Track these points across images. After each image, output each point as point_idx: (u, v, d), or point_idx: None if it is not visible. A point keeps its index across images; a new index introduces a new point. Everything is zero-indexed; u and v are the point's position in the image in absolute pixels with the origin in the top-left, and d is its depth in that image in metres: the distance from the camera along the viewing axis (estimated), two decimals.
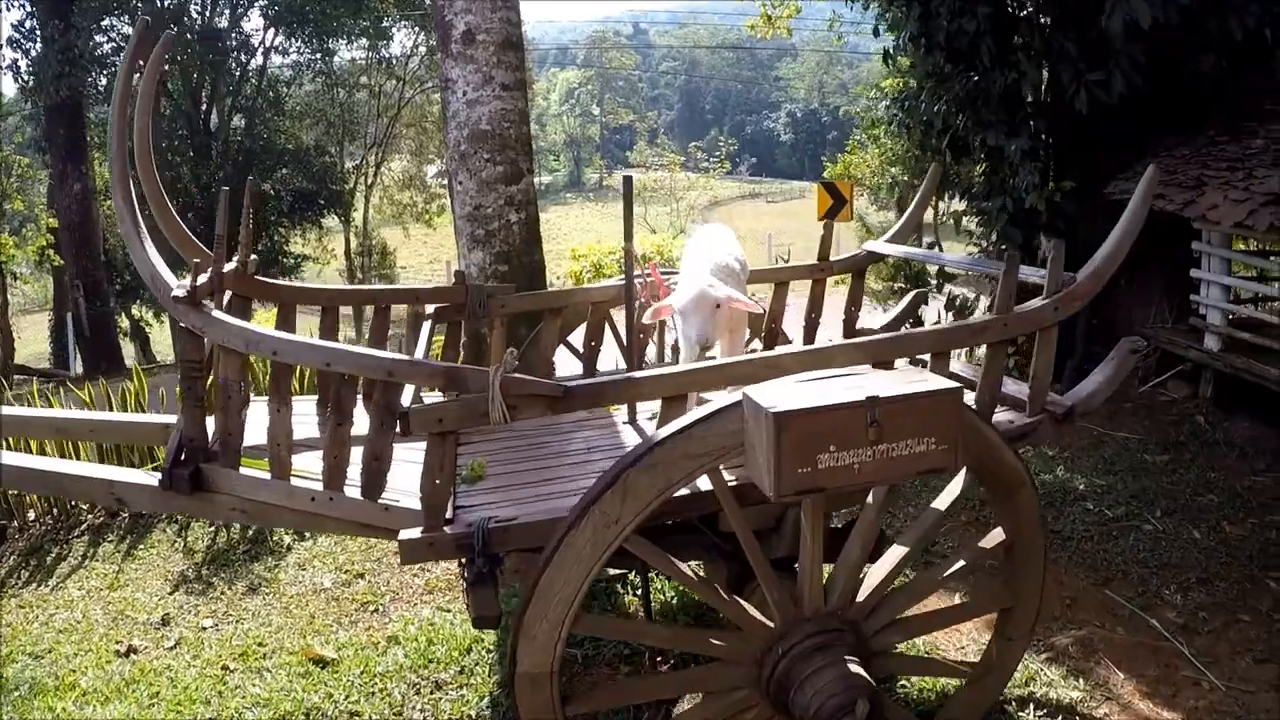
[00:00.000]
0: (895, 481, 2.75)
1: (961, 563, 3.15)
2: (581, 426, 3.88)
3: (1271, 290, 7.73)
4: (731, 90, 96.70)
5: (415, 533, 2.80)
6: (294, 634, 4.65)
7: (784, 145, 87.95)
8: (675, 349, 5.47)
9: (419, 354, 3.64)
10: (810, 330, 4.71)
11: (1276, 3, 6.89)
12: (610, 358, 4.61)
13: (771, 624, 2.79)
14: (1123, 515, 5.56)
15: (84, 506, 6.22)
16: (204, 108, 25.28)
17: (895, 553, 3.03)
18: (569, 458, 3.57)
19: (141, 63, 3.34)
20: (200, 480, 3.07)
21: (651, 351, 4.73)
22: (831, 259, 4.77)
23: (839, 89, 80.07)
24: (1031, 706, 3.78)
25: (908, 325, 4.71)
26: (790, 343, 4.74)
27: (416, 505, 2.84)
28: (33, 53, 20.50)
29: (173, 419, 3.33)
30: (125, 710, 4.05)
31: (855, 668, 2.70)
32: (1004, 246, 8.66)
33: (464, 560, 2.89)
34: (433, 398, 3.80)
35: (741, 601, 2.87)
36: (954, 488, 3.14)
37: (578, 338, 4.54)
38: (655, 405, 3.71)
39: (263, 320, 6.79)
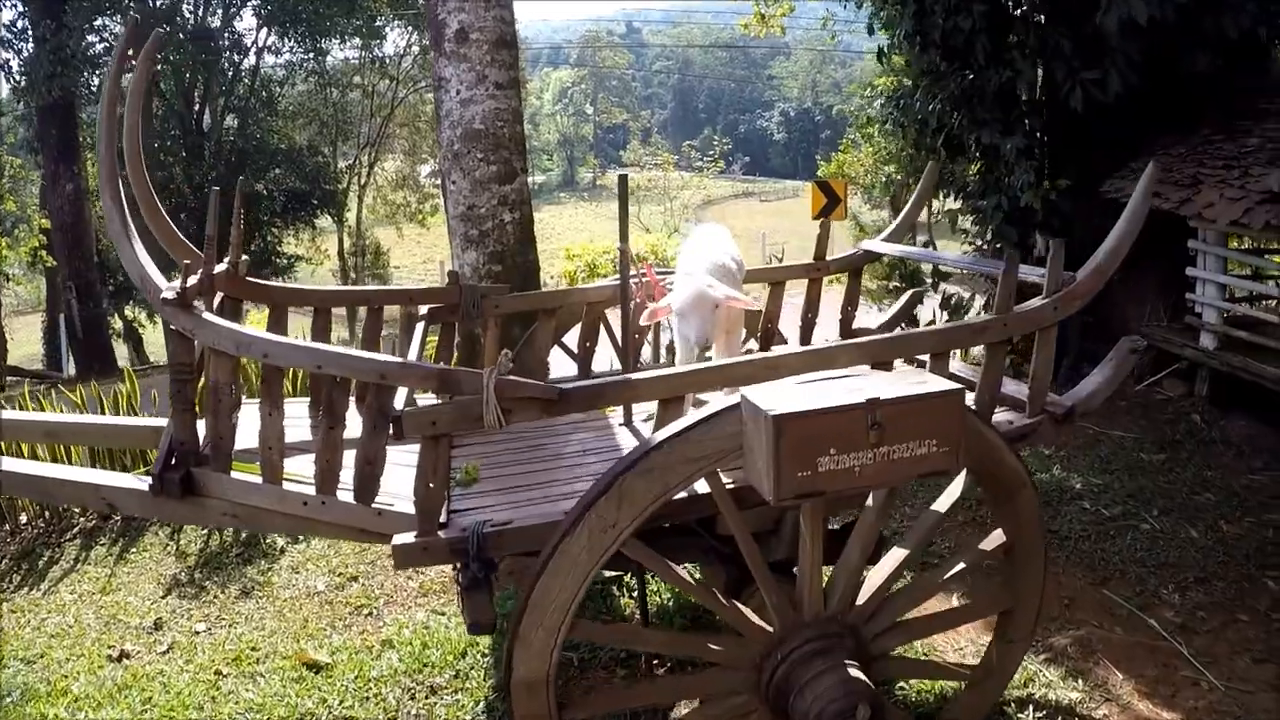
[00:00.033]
0: (896, 485, 2.72)
1: (961, 565, 3.12)
2: (577, 428, 3.85)
3: (1267, 288, 7.74)
4: (725, 89, 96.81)
5: (409, 538, 2.76)
6: (287, 638, 4.61)
7: (777, 144, 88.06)
8: (670, 349, 5.45)
9: (412, 356, 3.60)
10: (807, 330, 4.68)
11: (1272, 2, 6.88)
12: (605, 358, 4.58)
13: (770, 628, 2.76)
14: (1120, 514, 5.55)
15: (76, 510, 6.17)
16: (196, 107, 25.21)
17: (895, 555, 3.00)
18: (564, 460, 3.54)
19: (131, 61, 3.30)
20: (191, 484, 3.03)
21: (647, 352, 4.70)
22: (828, 258, 4.74)
23: (832, 88, 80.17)
24: (1031, 708, 3.76)
25: (903, 325, 4.69)
26: (786, 343, 4.72)
27: (410, 509, 2.81)
28: (25, 53, 20.42)
29: (164, 422, 3.29)
30: (118, 716, 4.01)
31: (856, 672, 2.67)
32: (999, 245, 8.67)
33: (458, 564, 2.86)
34: (426, 400, 3.77)
35: (740, 606, 2.84)
36: (954, 489, 3.12)
37: (572, 338, 4.50)
38: (651, 406, 3.70)
39: (255, 322, 6.75)
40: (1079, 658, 4.19)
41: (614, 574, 4.34)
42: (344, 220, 30.43)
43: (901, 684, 3.90)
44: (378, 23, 26.13)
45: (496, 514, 2.94)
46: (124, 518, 6.05)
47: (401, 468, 3.07)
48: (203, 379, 3.44)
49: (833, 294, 4.81)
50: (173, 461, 3.03)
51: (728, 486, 2.70)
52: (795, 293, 4.68)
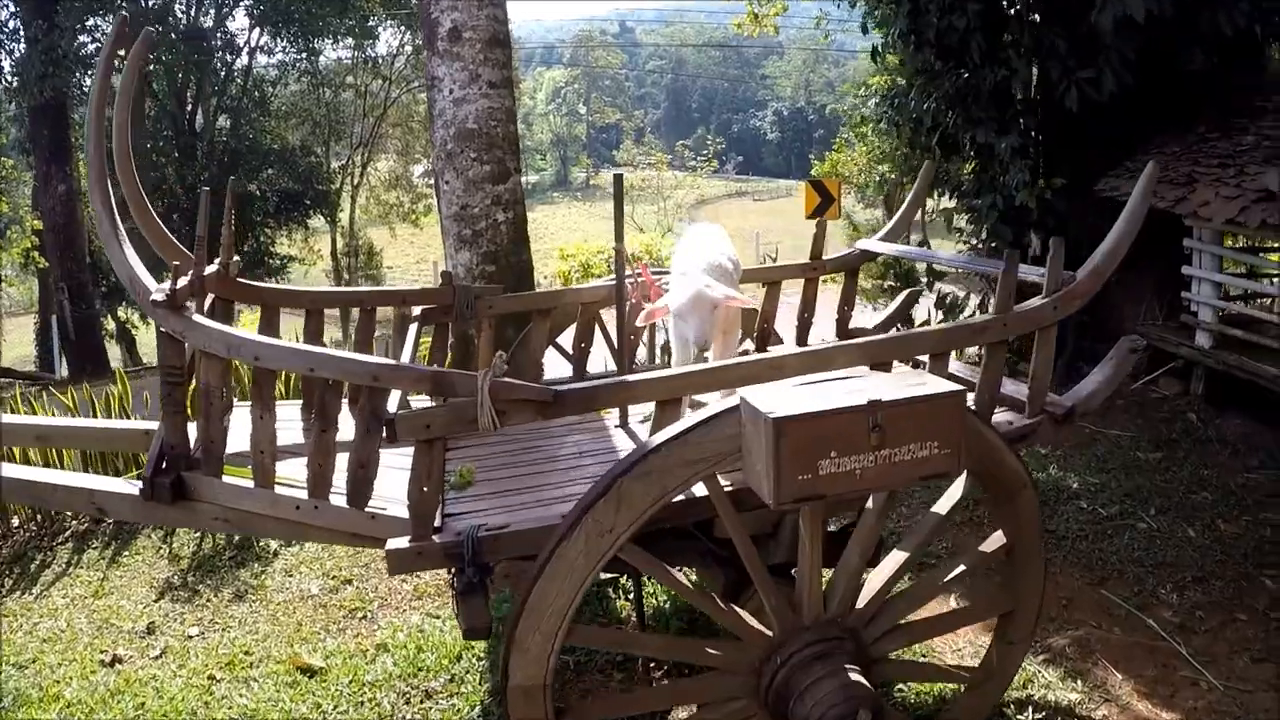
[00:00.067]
0: (897, 487, 2.69)
1: (962, 567, 3.10)
2: (572, 430, 3.82)
3: (1263, 287, 7.74)
4: (718, 89, 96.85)
5: (403, 542, 2.73)
6: (281, 642, 4.57)
7: (770, 144, 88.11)
8: (665, 350, 5.42)
9: (405, 357, 3.57)
10: (803, 330, 4.66)
11: None
12: (600, 359, 4.55)
13: (770, 632, 2.74)
14: (1117, 514, 5.54)
15: (68, 513, 6.12)
16: (189, 108, 25.14)
17: (895, 558, 2.98)
18: (560, 462, 3.51)
19: (120, 60, 3.27)
20: (182, 489, 2.99)
21: (642, 353, 4.68)
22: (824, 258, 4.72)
23: (825, 87, 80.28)
24: (1030, 709, 3.74)
25: (899, 325, 4.67)
26: (782, 343, 4.69)
27: (404, 514, 2.77)
28: (16, 53, 20.36)
29: (155, 425, 3.26)
30: None
31: (856, 676, 2.65)
32: (994, 244, 8.66)
33: (453, 569, 2.83)
34: (420, 402, 3.74)
35: (739, 610, 2.81)
36: (954, 491, 3.09)
37: (567, 339, 4.47)
38: (647, 407, 3.67)
39: (247, 323, 6.71)
40: (1078, 658, 4.18)
41: (610, 576, 4.32)
42: (337, 221, 30.36)
43: (900, 686, 3.88)
44: (370, 23, 26.10)
45: (492, 518, 2.91)
46: (116, 521, 6.00)
47: (395, 471, 3.04)
48: (194, 382, 3.42)
49: (827, 294, 4.79)
50: (163, 465, 2.99)
51: (726, 489, 2.67)
52: (790, 292, 4.66)
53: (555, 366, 4.48)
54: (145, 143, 21.89)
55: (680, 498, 2.67)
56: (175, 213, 21.15)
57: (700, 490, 2.68)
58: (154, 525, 5.83)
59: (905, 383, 2.49)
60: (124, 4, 21.29)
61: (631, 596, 4.42)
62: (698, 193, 52.00)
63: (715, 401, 2.87)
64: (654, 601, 4.58)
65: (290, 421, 3.82)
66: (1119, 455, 6.47)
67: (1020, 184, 8.06)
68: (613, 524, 2.47)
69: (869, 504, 2.88)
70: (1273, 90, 7.70)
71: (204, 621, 4.86)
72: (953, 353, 3.41)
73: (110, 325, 23.75)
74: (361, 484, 2.85)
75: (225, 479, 3.00)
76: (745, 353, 4.32)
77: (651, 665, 4.04)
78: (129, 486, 3.09)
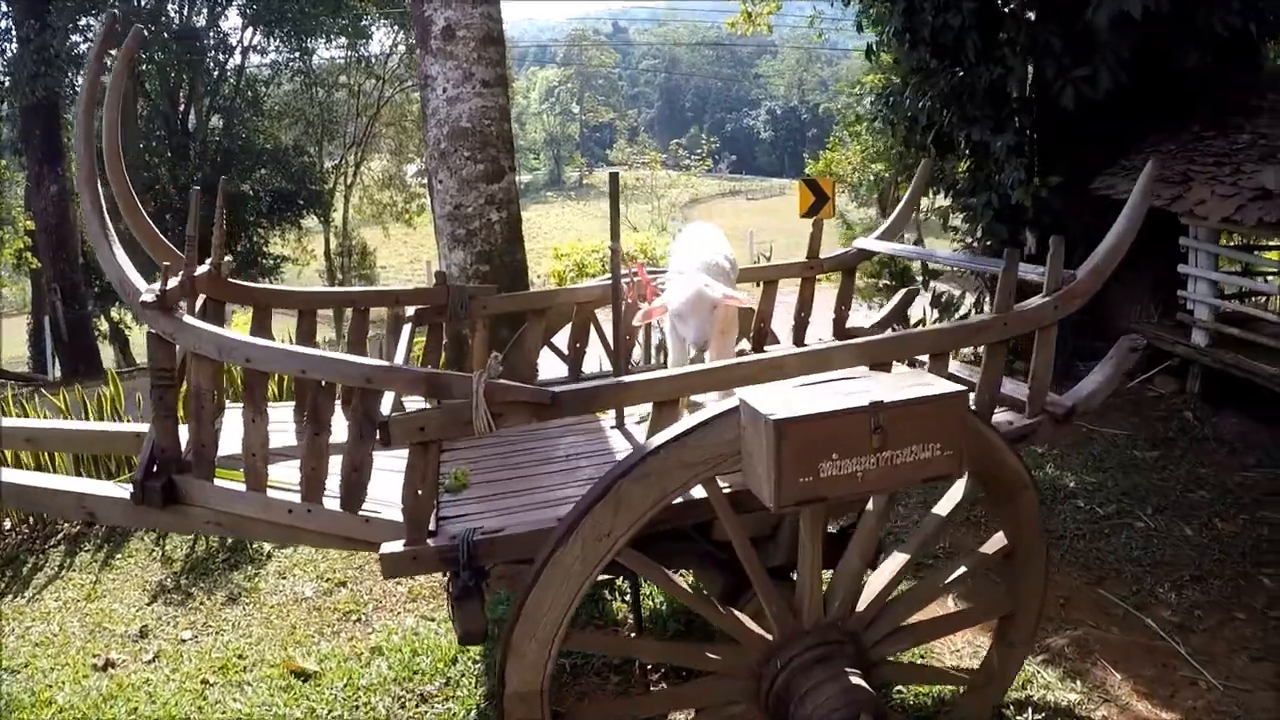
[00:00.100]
0: (899, 490, 2.67)
1: (963, 568, 3.07)
2: (568, 431, 3.79)
3: (1258, 285, 7.73)
4: (711, 88, 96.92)
5: (397, 546, 2.69)
6: (275, 645, 4.54)
7: (764, 143, 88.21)
8: (660, 349, 5.39)
9: (399, 358, 3.53)
10: (800, 330, 4.63)
11: None
12: (594, 359, 4.52)
13: (769, 636, 2.70)
14: (1114, 513, 5.53)
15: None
16: (181, 108, 25.04)
17: (896, 560, 2.95)
18: (556, 464, 3.47)
19: (112, 59, 3.23)
20: (173, 493, 2.95)
21: (637, 353, 4.65)
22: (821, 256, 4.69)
23: (819, 86, 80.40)
24: (1030, 710, 3.72)
25: (895, 325, 4.64)
26: (779, 343, 4.66)
27: (398, 517, 2.74)
28: (8, 53, 20.25)
29: (147, 427, 3.22)
30: None
31: (857, 680, 2.62)
32: (989, 242, 8.65)
33: (449, 573, 2.79)
34: (414, 404, 3.70)
35: (738, 614, 2.78)
36: (955, 493, 3.07)
37: (562, 339, 4.44)
38: (643, 408, 3.64)
39: (239, 324, 6.67)
40: (1076, 658, 4.16)
41: (606, 577, 4.28)
42: (330, 220, 30.34)
43: (899, 688, 3.86)
44: (363, 22, 26.04)
45: (487, 521, 2.88)
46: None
47: (389, 474, 3.01)
48: (185, 384, 3.38)
49: (823, 293, 4.77)
50: (154, 469, 2.96)
51: (725, 491, 2.64)
52: (785, 291, 4.64)
53: (550, 367, 4.45)
54: (138, 143, 21.77)
55: (679, 500, 2.64)
56: (168, 213, 21.05)
57: (699, 492, 2.64)
58: (147, 527, 5.79)
59: (907, 383, 2.46)
60: (115, 3, 21.20)
61: (628, 598, 4.40)
62: (691, 192, 52.07)
63: (713, 403, 2.84)
64: (650, 603, 4.55)
65: (283, 424, 3.78)
66: (1116, 454, 6.46)
67: (1015, 182, 8.05)
68: (610, 528, 2.44)
69: (869, 506, 2.85)
70: (1268, 89, 7.70)
71: (197, 625, 4.82)
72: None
73: (103, 326, 23.69)
74: (355, 487, 2.82)
75: (217, 482, 2.96)
76: (742, 353, 4.29)
77: (648, 668, 4.01)
78: (119, 490, 3.06)
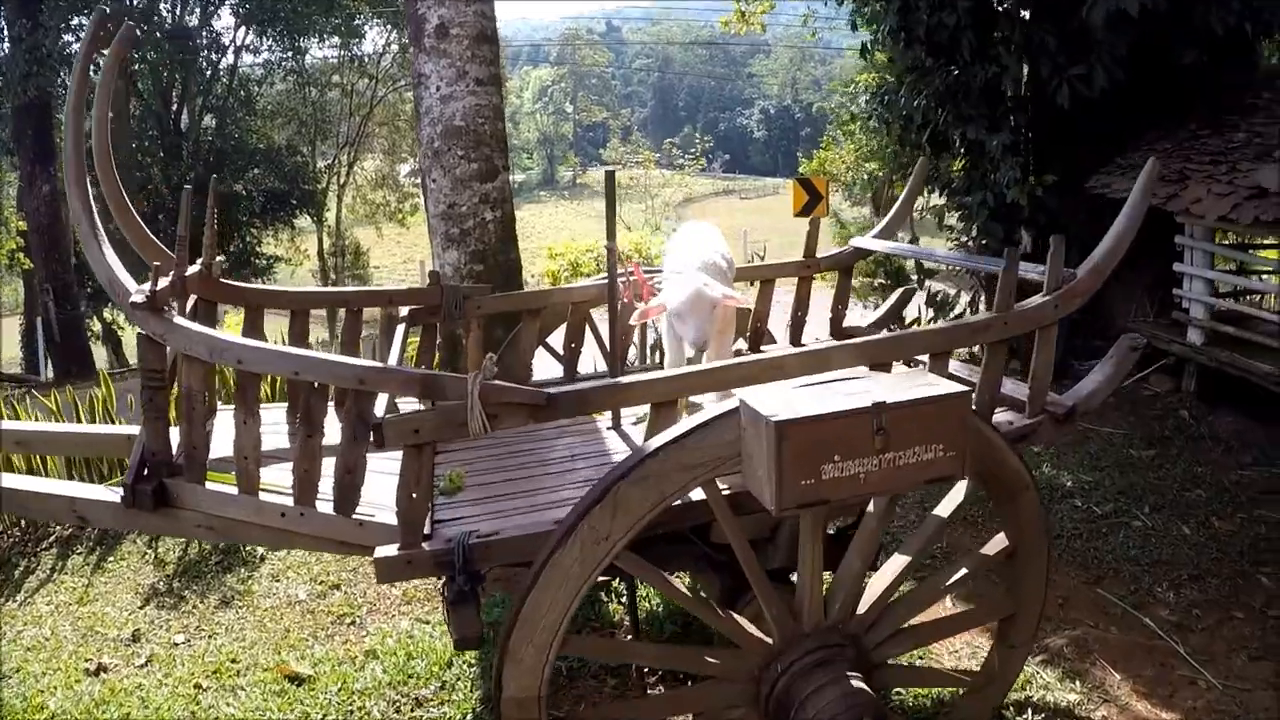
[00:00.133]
0: (902, 492, 2.64)
1: (964, 570, 3.04)
2: (564, 433, 3.76)
3: (1254, 283, 7.73)
4: (705, 87, 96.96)
5: (391, 550, 2.66)
6: (268, 649, 4.50)
7: (757, 142, 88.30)
8: (655, 349, 5.36)
9: (393, 359, 3.50)
10: (797, 329, 4.61)
11: None
12: (589, 359, 4.49)
13: (769, 640, 2.67)
14: (1111, 512, 5.52)
15: None
16: (174, 107, 25.00)
17: (897, 562, 2.92)
18: (552, 466, 3.44)
19: (100, 53, 3.19)
20: (165, 496, 2.92)
21: (631, 353, 4.62)
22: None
23: (812, 85, 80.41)
24: (1030, 710, 3.68)
25: (892, 325, 4.62)
26: (775, 342, 4.64)
27: (392, 520, 2.71)
28: (0, 52, 20.14)
29: (138, 429, 3.18)
30: None
31: (859, 684, 2.59)
32: (985, 241, 8.64)
33: (444, 576, 2.76)
34: (408, 405, 3.67)
35: (737, 617, 2.75)
36: (956, 494, 3.04)
37: (557, 339, 4.41)
38: (639, 409, 3.61)
39: (231, 325, 6.63)
40: (1075, 658, 4.14)
41: (602, 579, 4.25)
42: (323, 220, 30.28)
43: (897, 690, 3.83)
44: (356, 21, 26.03)
45: (483, 524, 2.85)
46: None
47: (383, 476, 2.98)
48: (176, 386, 3.34)
49: (817, 292, 4.75)
50: (145, 472, 2.92)
51: (724, 493, 2.61)
52: (780, 290, 4.61)
53: (544, 367, 4.42)
54: (130, 142, 21.72)
55: (677, 502, 2.61)
56: (161, 213, 20.99)
57: (698, 494, 2.61)
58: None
59: (909, 384, 2.43)
60: (107, 2, 21.11)
61: (624, 600, 4.37)
62: (685, 191, 52.09)
63: (712, 403, 2.81)
64: (647, 604, 4.52)
65: (275, 425, 3.74)
66: (1112, 453, 6.45)
67: (1011, 181, 8.04)
68: (609, 531, 2.41)
69: (869, 507, 2.83)
70: (1263, 87, 7.70)
71: (190, 628, 4.78)
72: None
73: (96, 327, 23.59)
74: (348, 490, 2.79)
75: (209, 485, 2.92)
76: (739, 352, 4.26)
77: (645, 671, 3.98)
78: (110, 494, 3.02)
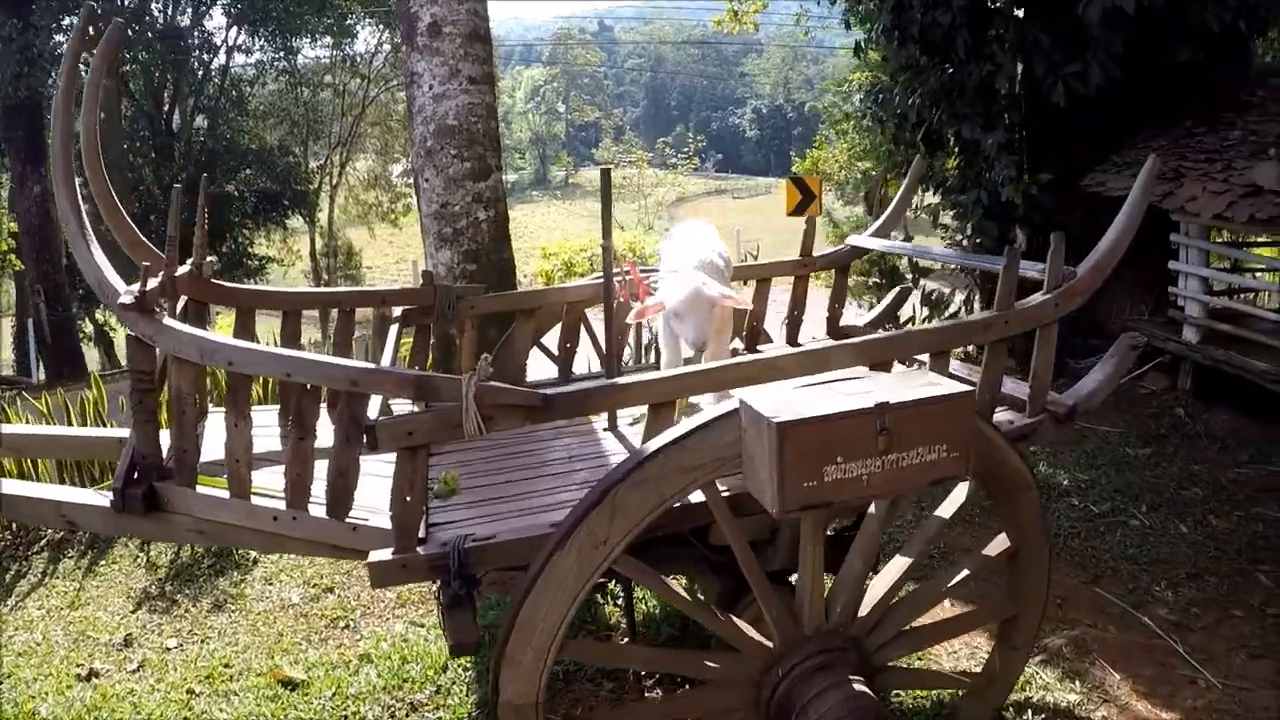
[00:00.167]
0: (905, 493, 2.61)
1: (965, 572, 3.02)
2: (560, 434, 3.72)
3: (1249, 281, 7.72)
4: (697, 86, 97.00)
5: (386, 554, 2.62)
6: (261, 654, 4.46)
7: (749, 141, 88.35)
8: (650, 349, 5.32)
9: (386, 360, 3.46)
10: (793, 328, 4.58)
11: None
12: (584, 359, 4.46)
13: (770, 643, 2.64)
14: (1108, 511, 5.51)
15: None
16: (166, 108, 24.88)
17: (898, 564, 2.89)
18: (548, 468, 3.41)
19: (89, 56, 3.15)
20: (155, 500, 2.87)
21: (626, 353, 4.59)
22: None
23: (804, 84, 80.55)
24: (1029, 711, 3.67)
25: (888, 324, 4.59)
26: (772, 342, 4.61)
27: (386, 524, 2.67)
28: None
29: (128, 432, 3.14)
30: None
31: (861, 687, 2.56)
32: (980, 240, 8.63)
33: (439, 581, 2.72)
34: (402, 406, 3.63)
35: (737, 620, 2.71)
36: (958, 495, 3.01)
37: (551, 339, 4.37)
38: (636, 409, 3.57)
39: (223, 326, 6.58)
40: (1075, 658, 4.12)
41: (600, 581, 4.22)
42: (316, 221, 30.19)
43: (897, 691, 3.81)
44: (348, 21, 25.94)
45: (478, 528, 2.81)
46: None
47: (377, 479, 2.94)
48: (166, 388, 3.30)
49: (812, 291, 4.72)
50: (135, 476, 2.88)
51: (724, 494, 2.58)
52: (775, 290, 4.58)
53: (539, 367, 4.38)
54: (121, 143, 21.61)
55: (677, 505, 2.58)
56: (153, 214, 20.91)
57: (697, 496, 2.58)
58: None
59: (912, 383, 2.40)
60: (98, 1, 21.02)
61: (620, 602, 4.33)
62: (678, 191, 52.08)
63: (710, 404, 2.78)
64: (644, 606, 4.49)
65: (267, 428, 3.70)
66: (1108, 451, 6.43)
67: (1006, 179, 8.02)
68: (607, 535, 2.38)
69: (871, 509, 2.79)
70: (1258, 85, 7.69)
71: (182, 633, 4.74)
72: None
73: (88, 328, 23.50)
74: (341, 493, 2.74)
75: (199, 489, 2.88)
76: (735, 352, 4.23)
77: (643, 674, 3.95)
78: (99, 498, 2.98)
